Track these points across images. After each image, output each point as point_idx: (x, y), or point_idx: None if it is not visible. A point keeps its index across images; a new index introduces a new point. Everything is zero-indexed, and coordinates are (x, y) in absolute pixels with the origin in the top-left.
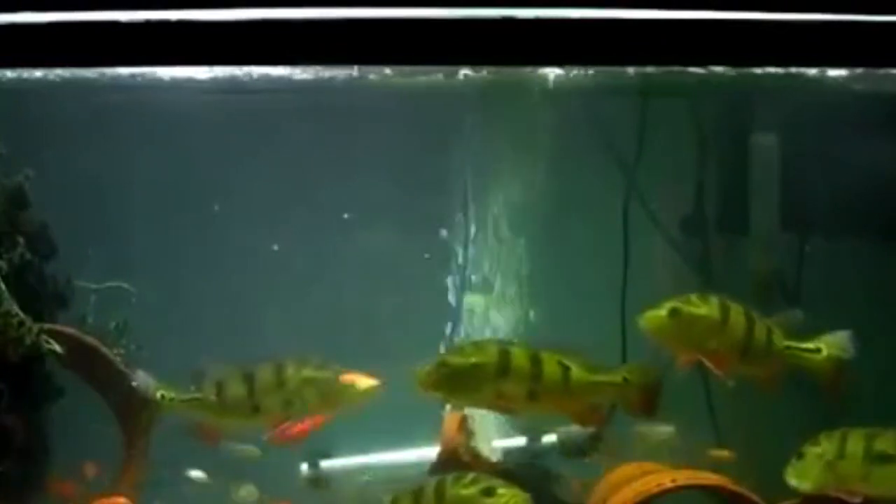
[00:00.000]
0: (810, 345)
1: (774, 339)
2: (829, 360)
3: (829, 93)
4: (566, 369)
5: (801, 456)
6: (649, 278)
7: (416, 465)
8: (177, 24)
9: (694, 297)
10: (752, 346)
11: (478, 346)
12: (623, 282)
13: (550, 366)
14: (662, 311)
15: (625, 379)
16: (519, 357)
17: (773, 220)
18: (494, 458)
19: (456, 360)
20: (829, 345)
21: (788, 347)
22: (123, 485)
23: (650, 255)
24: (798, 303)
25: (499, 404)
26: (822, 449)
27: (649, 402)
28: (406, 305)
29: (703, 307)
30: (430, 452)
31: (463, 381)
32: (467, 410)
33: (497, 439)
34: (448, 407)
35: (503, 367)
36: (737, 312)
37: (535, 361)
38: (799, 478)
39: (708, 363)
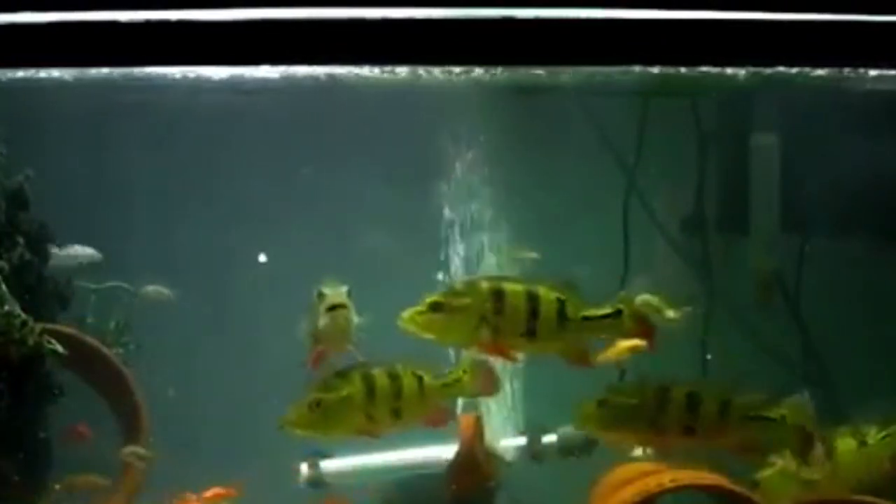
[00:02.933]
0: (608, 309)
1: (569, 312)
2: (630, 317)
3: (828, 92)
4: (420, 379)
5: (756, 484)
6: (649, 277)
7: (416, 466)
8: (177, 24)
9: (458, 286)
10: (540, 325)
11: (343, 376)
12: (623, 281)
13: (407, 379)
14: (422, 308)
15: (463, 371)
16: (381, 378)
17: (773, 220)
18: (508, 458)
19: (328, 396)
20: (625, 302)
21: (587, 318)
22: (124, 484)
23: (650, 255)
24: (798, 302)
25: (366, 430)
26: (780, 465)
27: (488, 384)
28: (406, 304)
29: (468, 296)
30: (431, 452)
31: (336, 415)
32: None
33: (506, 439)
34: (460, 409)
35: (369, 392)
36: (514, 293)
37: (394, 378)
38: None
39: (485, 353)
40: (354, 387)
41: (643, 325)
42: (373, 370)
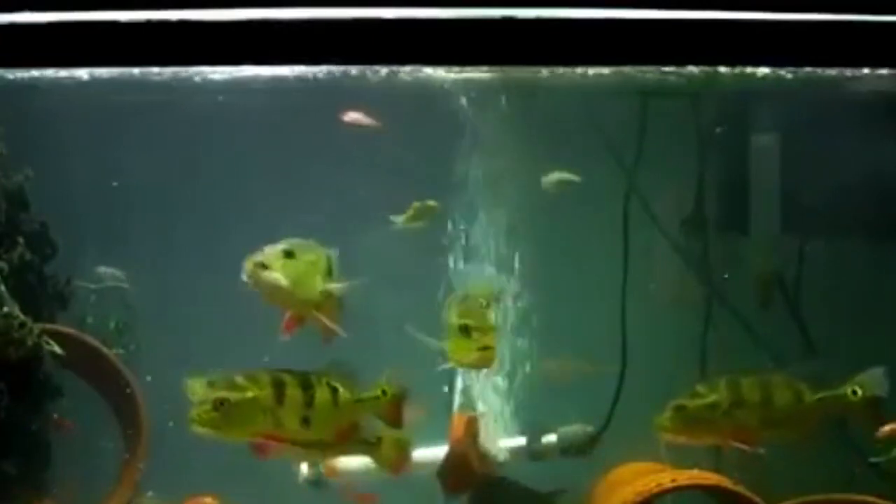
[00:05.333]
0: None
1: None
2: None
3: (828, 92)
4: (335, 391)
5: (681, 409)
6: (649, 277)
7: (417, 466)
8: (177, 24)
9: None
10: None
11: (251, 378)
12: (623, 281)
13: (320, 389)
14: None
15: (383, 392)
16: (292, 384)
17: (773, 219)
18: (501, 458)
19: (233, 395)
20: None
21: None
22: (124, 484)
23: (650, 255)
24: (798, 302)
25: (272, 434)
26: (713, 399)
27: (396, 414)
28: (408, 304)
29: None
30: (432, 452)
31: (241, 417)
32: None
33: (503, 440)
34: (456, 408)
35: (278, 397)
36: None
37: (307, 387)
38: (683, 431)
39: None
40: (262, 389)
41: None
42: (285, 375)
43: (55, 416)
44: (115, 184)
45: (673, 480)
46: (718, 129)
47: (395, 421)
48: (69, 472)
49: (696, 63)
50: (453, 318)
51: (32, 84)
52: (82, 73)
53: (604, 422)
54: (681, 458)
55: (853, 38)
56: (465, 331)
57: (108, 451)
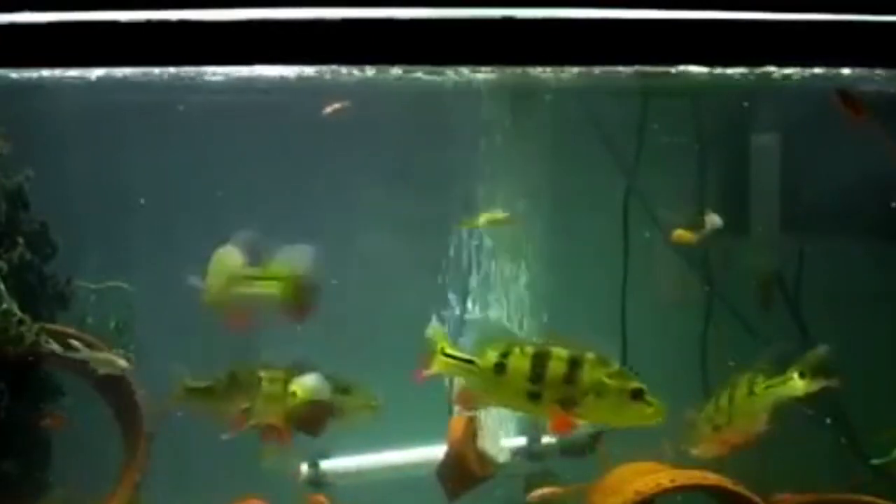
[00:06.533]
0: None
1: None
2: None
3: (828, 92)
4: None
5: (692, 425)
6: (649, 278)
7: (417, 466)
8: (177, 24)
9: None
10: None
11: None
12: (623, 281)
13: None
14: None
15: (293, 394)
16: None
17: (773, 219)
18: (501, 458)
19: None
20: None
21: None
22: (125, 485)
23: (650, 255)
24: (798, 302)
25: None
26: (713, 406)
27: (307, 421)
28: (408, 306)
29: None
30: (430, 452)
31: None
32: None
33: (504, 440)
34: (455, 409)
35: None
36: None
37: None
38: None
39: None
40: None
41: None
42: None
43: (46, 412)
44: (142, 201)
45: (673, 480)
46: (718, 130)
47: (308, 428)
48: (69, 472)
49: (696, 63)
50: (609, 381)
51: (31, 84)
52: (82, 74)
53: None
54: (681, 458)
55: (853, 38)
56: (638, 395)
57: (108, 451)
